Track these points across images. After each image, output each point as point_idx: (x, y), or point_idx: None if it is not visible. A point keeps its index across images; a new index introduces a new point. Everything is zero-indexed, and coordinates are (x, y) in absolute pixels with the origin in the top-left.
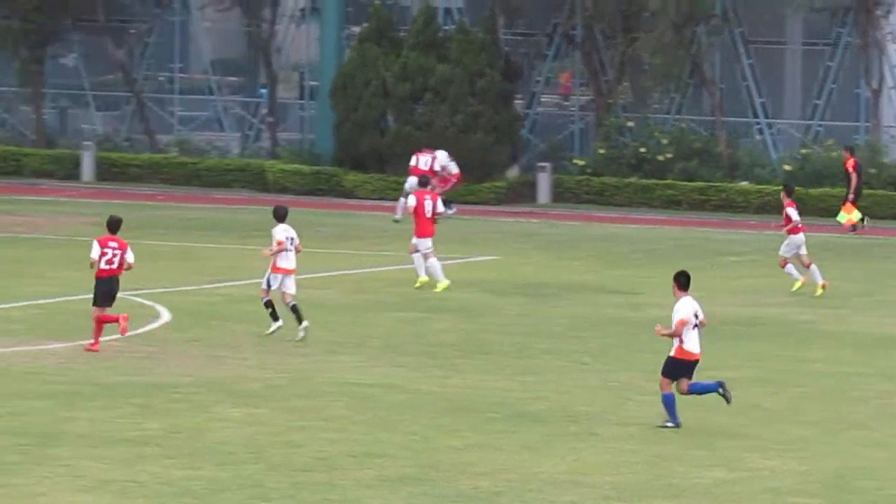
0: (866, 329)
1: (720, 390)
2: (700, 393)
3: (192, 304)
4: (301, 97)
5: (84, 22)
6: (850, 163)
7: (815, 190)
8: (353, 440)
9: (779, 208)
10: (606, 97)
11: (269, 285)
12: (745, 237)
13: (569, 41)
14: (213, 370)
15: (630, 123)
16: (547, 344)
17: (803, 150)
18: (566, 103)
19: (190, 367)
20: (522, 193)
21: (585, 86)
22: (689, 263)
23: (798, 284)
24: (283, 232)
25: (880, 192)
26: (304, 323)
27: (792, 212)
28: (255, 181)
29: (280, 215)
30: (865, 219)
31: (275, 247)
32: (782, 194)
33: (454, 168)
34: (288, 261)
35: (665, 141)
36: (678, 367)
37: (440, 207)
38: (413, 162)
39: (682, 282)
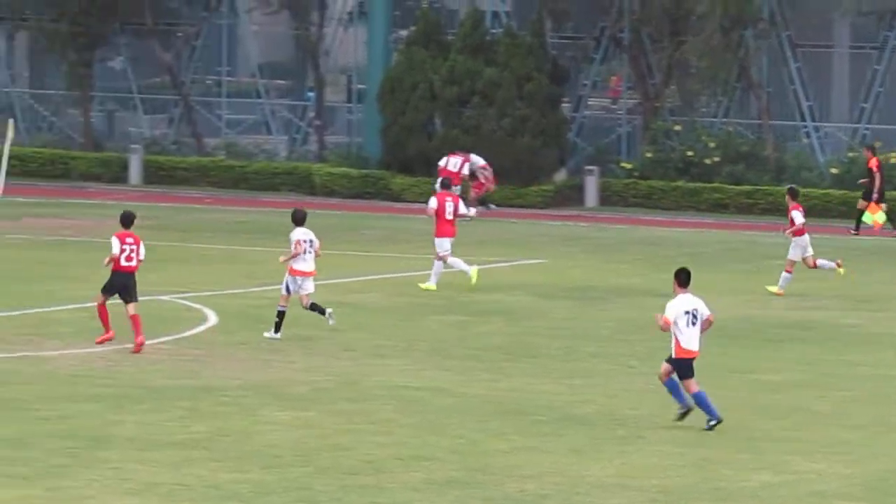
0: None
1: (712, 423)
2: (700, 406)
3: (240, 308)
4: (348, 100)
5: (132, 25)
6: (873, 162)
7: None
8: (400, 443)
9: (823, 212)
10: (653, 100)
11: (287, 290)
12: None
13: (616, 44)
14: (261, 373)
15: (677, 127)
16: (594, 347)
17: (850, 154)
18: (614, 106)
19: (237, 371)
20: (570, 197)
21: (632, 89)
22: (735, 266)
23: (840, 270)
24: (301, 235)
25: None
26: (328, 310)
27: (796, 214)
28: (303, 184)
29: (298, 219)
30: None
31: (292, 251)
32: (787, 197)
33: (489, 171)
34: (306, 263)
35: (712, 144)
36: (680, 366)
37: (462, 209)
38: (443, 163)
39: (683, 279)
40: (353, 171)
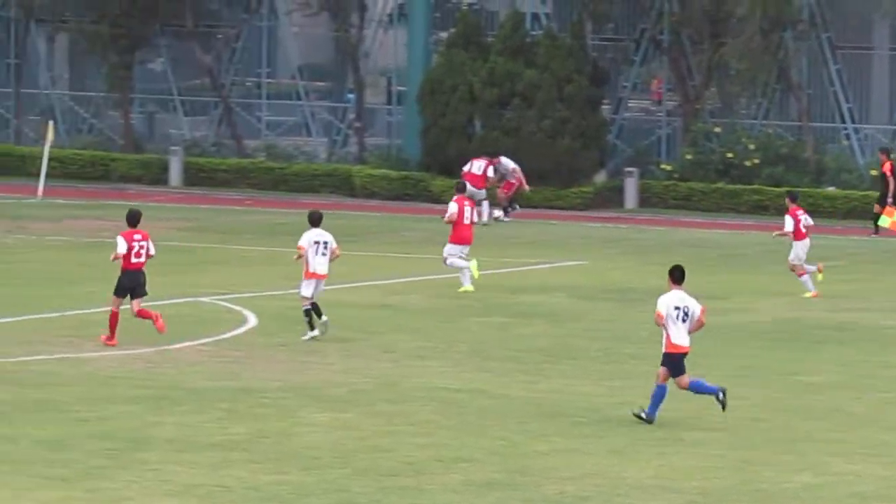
0: None
1: (719, 395)
2: (699, 392)
3: (279, 309)
4: (388, 102)
5: (172, 27)
6: (887, 166)
7: None
8: (439, 445)
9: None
10: (693, 102)
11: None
12: (832, 242)
13: (656, 46)
14: (300, 375)
15: (717, 129)
16: (633, 349)
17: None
18: (656, 109)
19: (277, 372)
20: (609, 199)
21: (672, 91)
22: (775, 268)
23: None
24: (313, 237)
25: None
26: (325, 318)
27: (787, 219)
28: (343, 186)
29: (313, 220)
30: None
31: (298, 252)
32: (787, 200)
33: (518, 172)
34: (318, 265)
35: (752, 146)
36: (670, 361)
37: (474, 217)
38: (467, 167)
39: (677, 276)
40: (393, 173)
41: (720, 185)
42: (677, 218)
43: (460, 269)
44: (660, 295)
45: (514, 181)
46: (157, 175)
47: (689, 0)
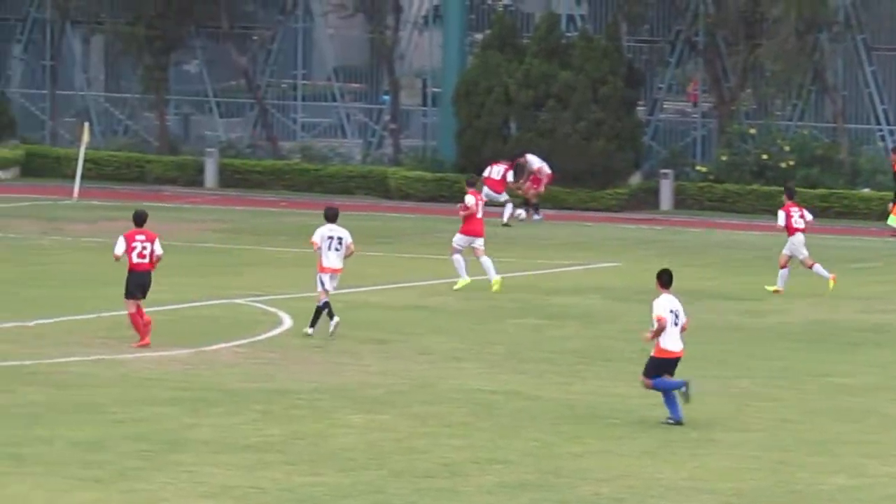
0: None
1: (683, 389)
2: (662, 389)
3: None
4: (424, 104)
5: (207, 29)
6: None
7: None
8: (474, 447)
9: None
10: (729, 104)
11: (323, 286)
12: (867, 244)
13: (691, 48)
14: (335, 376)
15: (752, 130)
16: None
17: None
18: (690, 110)
19: (312, 374)
20: (644, 200)
21: (707, 92)
22: (809, 270)
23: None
24: (326, 232)
25: None
26: (336, 319)
27: (780, 214)
28: (378, 188)
29: (328, 216)
30: None
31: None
32: (784, 196)
33: (546, 168)
34: (331, 260)
35: (787, 148)
36: (660, 366)
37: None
38: (486, 172)
39: (665, 280)
40: (428, 175)
41: (755, 186)
42: (712, 219)
43: (458, 268)
44: (668, 298)
45: (542, 178)
46: (192, 177)
47: (724, 1)
